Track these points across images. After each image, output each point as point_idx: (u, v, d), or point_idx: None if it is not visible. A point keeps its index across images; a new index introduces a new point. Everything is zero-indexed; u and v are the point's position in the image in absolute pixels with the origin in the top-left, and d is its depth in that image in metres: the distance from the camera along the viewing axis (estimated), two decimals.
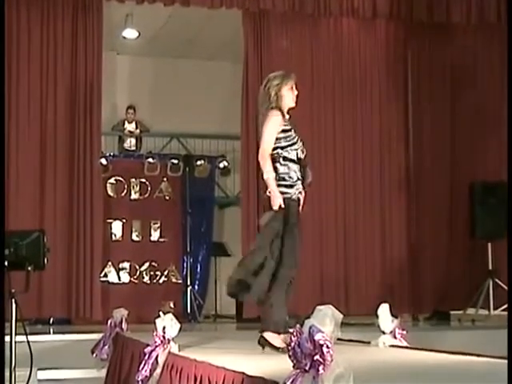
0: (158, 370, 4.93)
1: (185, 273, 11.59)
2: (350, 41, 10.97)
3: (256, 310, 9.65)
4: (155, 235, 11.44)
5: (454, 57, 11.22)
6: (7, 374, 5.10)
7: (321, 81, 10.76)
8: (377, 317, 5.57)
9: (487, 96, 11.10)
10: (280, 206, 5.26)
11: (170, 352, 4.97)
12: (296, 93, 5.56)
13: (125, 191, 11.38)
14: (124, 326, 6.50)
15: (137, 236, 11.36)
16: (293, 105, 5.57)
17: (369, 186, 10.80)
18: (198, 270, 12.41)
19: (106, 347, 6.56)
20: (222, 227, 13.28)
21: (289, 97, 5.53)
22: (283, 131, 5.41)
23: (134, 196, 11.44)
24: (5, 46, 9.27)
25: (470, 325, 9.92)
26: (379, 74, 11.01)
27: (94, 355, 6.64)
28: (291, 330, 3.22)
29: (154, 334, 5.03)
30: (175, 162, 11.56)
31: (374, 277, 10.62)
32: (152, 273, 11.35)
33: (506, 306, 9.88)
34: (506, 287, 9.94)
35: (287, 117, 5.51)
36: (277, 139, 5.38)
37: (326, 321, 3.08)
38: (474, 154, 11.07)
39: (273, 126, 5.39)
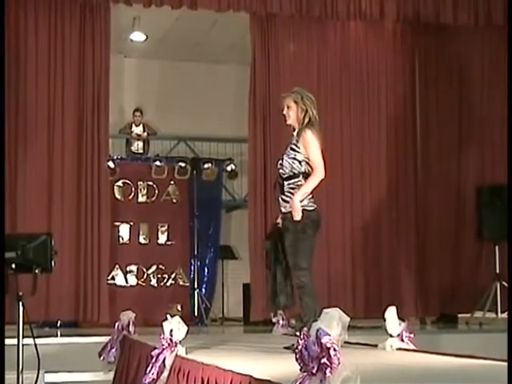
0: (166, 373, 4.93)
1: (192, 276, 11.59)
2: (358, 43, 10.96)
3: (263, 313, 9.68)
4: (162, 238, 11.45)
5: (461, 58, 11.21)
6: (14, 376, 5.10)
7: (328, 83, 10.75)
8: (384, 320, 5.56)
9: (494, 98, 11.08)
10: None
11: (177, 355, 4.96)
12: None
13: (132, 194, 11.41)
14: (131, 328, 6.51)
15: (144, 239, 11.38)
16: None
17: (376, 188, 10.78)
18: (205, 272, 12.40)
19: (114, 350, 6.56)
20: (229, 230, 13.27)
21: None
22: None
23: (141, 199, 11.46)
24: (5, 47, 9.28)
25: (477, 328, 9.90)
26: (387, 76, 11.00)
27: (102, 358, 6.64)
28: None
29: (162, 336, 5.03)
30: (182, 165, 11.57)
31: (381, 279, 10.60)
32: (159, 276, 11.37)
33: None
34: None
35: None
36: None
37: (333, 324, 3.08)
38: (481, 156, 11.07)
39: None
